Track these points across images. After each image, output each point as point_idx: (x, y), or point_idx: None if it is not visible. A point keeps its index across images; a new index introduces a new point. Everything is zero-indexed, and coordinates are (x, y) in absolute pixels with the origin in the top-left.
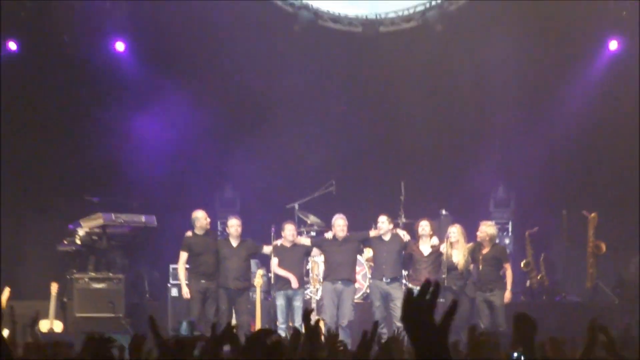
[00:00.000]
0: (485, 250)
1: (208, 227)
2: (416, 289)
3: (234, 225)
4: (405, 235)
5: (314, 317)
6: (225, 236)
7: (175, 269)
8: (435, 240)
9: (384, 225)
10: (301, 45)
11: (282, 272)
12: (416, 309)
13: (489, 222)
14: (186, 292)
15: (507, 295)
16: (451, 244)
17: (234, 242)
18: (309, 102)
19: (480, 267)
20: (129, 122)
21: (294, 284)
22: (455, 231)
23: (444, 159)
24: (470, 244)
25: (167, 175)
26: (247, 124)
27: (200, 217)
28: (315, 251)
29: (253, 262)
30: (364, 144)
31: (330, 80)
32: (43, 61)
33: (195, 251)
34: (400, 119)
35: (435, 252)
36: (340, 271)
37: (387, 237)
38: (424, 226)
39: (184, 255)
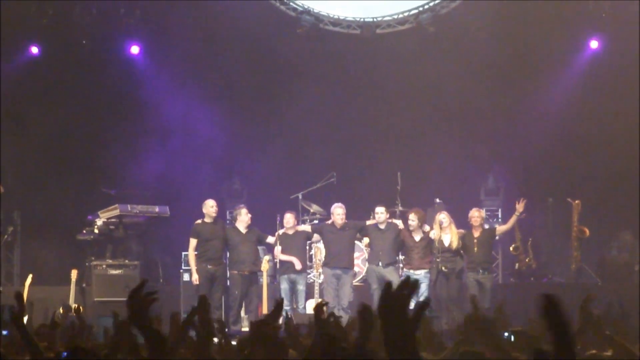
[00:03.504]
0: (477, 234)
1: (215, 214)
2: (413, 273)
3: (248, 214)
4: (400, 224)
5: (316, 300)
6: (233, 225)
7: (186, 256)
8: (426, 228)
9: (382, 216)
10: (303, 45)
11: (286, 257)
12: (392, 301)
13: (478, 208)
14: (195, 279)
15: (520, 206)
16: (443, 228)
17: (243, 230)
18: (312, 100)
19: (475, 249)
20: (143, 119)
21: (297, 265)
22: (445, 217)
23: (437, 151)
24: (461, 230)
25: (179, 168)
26: (254, 121)
27: (208, 205)
28: (316, 237)
29: (260, 249)
30: (363, 138)
31: (331, 78)
32: (63, 64)
33: (203, 237)
34: (396, 115)
35: (426, 237)
36: (338, 259)
37: (383, 226)
38: (410, 221)
39: (193, 242)
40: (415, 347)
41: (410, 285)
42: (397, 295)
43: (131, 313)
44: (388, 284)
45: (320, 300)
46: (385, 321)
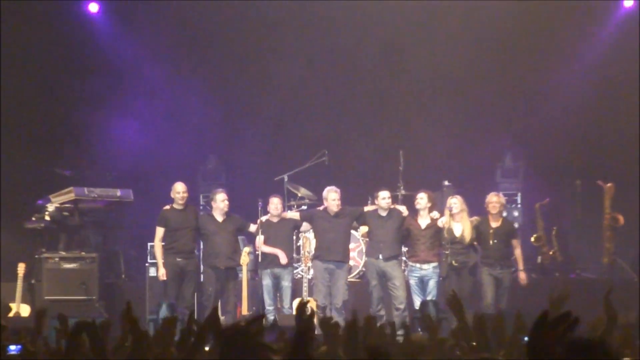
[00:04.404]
0: (496, 224)
1: (184, 200)
2: (419, 267)
3: (224, 200)
4: (404, 211)
5: (305, 298)
6: (209, 211)
7: (152, 247)
8: (435, 214)
9: (385, 202)
10: (290, 6)
11: (269, 249)
12: (545, 336)
13: (496, 193)
14: (162, 273)
15: (523, 276)
16: (453, 216)
17: (219, 218)
18: (301, 67)
19: (491, 241)
20: (104, 90)
21: (282, 259)
22: (456, 202)
23: (446, 126)
24: (475, 218)
25: (146, 145)
26: (232, 91)
27: (176, 189)
28: (306, 226)
29: (239, 239)
30: (359, 110)
31: (322, 42)
32: (9, 22)
33: (172, 226)
34: (399, 84)
35: (434, 225)
36: (332, 251)
37: (384, 213)
38: (420, 199)
39: (160, 231)
40: None
41: (571, 322)
42: (551, 330)
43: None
44: (544, 314)
45: (309, 299)
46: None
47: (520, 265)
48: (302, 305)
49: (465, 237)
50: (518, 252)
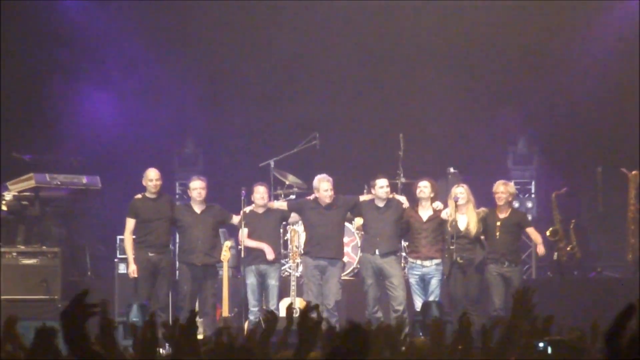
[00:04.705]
0: (503, 215)
1: (157, 189)
2: (420, 265)
3: (196, 188)
4: (404, 202)
5: (292, 298)
6: (186, 201)
7: (122, 241)
8: (439, 205)
9: (383, 190)
10: None
11: (254, 243)
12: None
13: (505, 181)
14: (133, 270)
15: (541, 248)
16: (458, 207)
17: (197, 208)
18: (290, 41)
19: (497, 234)
20: (70, 63)
21: (269, 254)
22: (462, 192)
23: (451, 105)
24: (483, 209)
25: (115, 126)
26: (214, 68)
27: (148, 176)
28: (294, 217)
29: (220, 232)
30: (355, 89)
31: (315, 15)
32: None
33: (144, 217)
34: (398, 60)
35: (436, 217)
36: (323, 247)
37: (381, 203)
38: (423, 187)
39: (130, 223)
40: None
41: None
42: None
43: (65, 330)
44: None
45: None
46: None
47: (539, 243)
48: (306, 311)
49: (471, 230)
50: (536, 235)
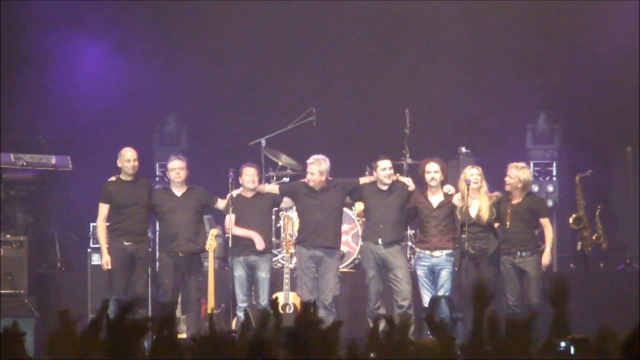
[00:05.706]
0: (516, 201)
1: (134, 170)
2: (429, 255)
3: (175, 169)
4: (410, 184)
5: (286, 293)
6: (166, 184)
7: (95, 228)
8: (450, 189)
9: (385, 173)
10: None
11: (242, 232)
12: None
13: (521, 164)
14: (107, 261)
15: (547, 256)
16: (470, 191)
17: (177, 191)
18: (283, 6)
19: (508, 223)
20: (41, 33)
21: (259, 244)
22: (475, 174)
23: (463, 78)
24: (496, 193)
25: (87, 100)
26: (197, 37)
27: (124, 156)
28: (287, 202)
29: (205, 219)
30: (356, 60)
31: None
32: None
33: (118, 202)
34: (404, 30)
35: (448, 202)
36: (319, 235)
37: (385, 187)
38: (434, 173)
39: (103, 209)
40: None
41: None
42: None
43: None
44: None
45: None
46: None
47: (548, 245)
48: (276, 302)
49: (482, 216)
50: (547, 230)
